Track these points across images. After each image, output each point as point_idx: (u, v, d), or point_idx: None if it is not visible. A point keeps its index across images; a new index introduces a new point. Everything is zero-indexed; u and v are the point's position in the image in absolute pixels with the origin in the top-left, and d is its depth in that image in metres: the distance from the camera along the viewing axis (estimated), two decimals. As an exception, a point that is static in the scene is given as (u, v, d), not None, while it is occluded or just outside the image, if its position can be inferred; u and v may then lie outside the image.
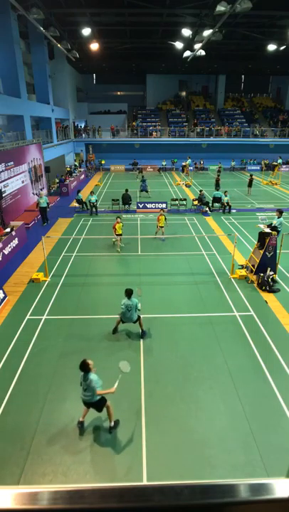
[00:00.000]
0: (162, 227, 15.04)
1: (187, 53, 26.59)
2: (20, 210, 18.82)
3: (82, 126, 38.37)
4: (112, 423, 5.92)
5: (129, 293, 8.13)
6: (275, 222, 12.87)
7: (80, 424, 5.91)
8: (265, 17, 22.39)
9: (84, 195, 21.36)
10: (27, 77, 26.49)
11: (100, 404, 5.75)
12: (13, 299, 10.24)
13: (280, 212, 13.15)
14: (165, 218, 15.13)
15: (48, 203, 17.49)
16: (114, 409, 6.22)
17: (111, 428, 5.88)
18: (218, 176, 25.43)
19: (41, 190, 22.79)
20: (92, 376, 5.58)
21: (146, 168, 36.92)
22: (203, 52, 25.11)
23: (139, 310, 8.32)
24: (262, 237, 11.49)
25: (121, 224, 14.08)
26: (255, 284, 11.09)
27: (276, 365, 7.48)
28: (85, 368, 5.60)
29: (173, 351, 7.93)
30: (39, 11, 17.90)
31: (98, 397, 5.69)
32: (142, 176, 27.31)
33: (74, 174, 29.41)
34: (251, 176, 26.37)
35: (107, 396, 5.78)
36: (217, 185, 23.97)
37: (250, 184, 25.06)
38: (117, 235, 14.03)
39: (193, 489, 0.69)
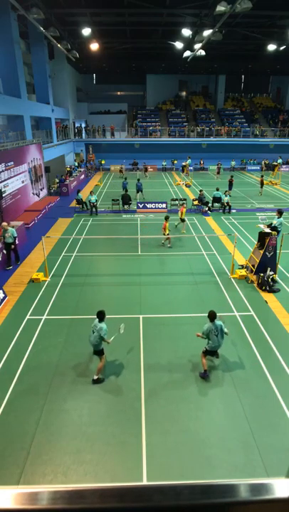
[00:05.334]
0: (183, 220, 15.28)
1: (187, 53, 26.60)
2: (20, 210, 18.82)
3: (83, 127, 38.35)
4: (96, 377, 6.94)
5: (212, 316, 6.91)
6: (275, 222, 12.87)
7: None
8: (265, 17, 22.40)
9: (84, 195, 21.36)
10: (27, 77, 26.49)
11: (100, 353, 6.97)
12: (13, 299, 10.24)
13: (280, 212, 13.16)
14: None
15: (15, 237, 12.45)
16: (113, 409, 6.23)
17: (93, 380, 6.92)
18: (232, 177, 25.34)
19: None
20: (103, 325, 6.77)
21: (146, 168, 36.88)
22: (203, 52, 25.12)
23: (226, 333, 7.10)
24: (262, 237, 11.49)
25: (168, 224, 14.35)
26: (255, 284, 11.09)
27: (276, 365, 7.48)
28: (102, 316, 6.85)
29: (173, 351, 7.93)
30: (39, 11, 17.90)
31: (101, 347, 6.90)
32: (125, 178, 27.06)
33: (74, 174, 29.42)
34: (262, 176, 26.47)
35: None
36: (230, 187, 23.71)
37: (262, 185, 25.21)
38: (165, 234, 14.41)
39: (193, 489, 0.69)
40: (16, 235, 12.51)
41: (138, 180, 24.05)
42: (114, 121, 39.79)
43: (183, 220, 16.20)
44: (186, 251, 14.12)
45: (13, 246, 12.48)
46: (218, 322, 6.92)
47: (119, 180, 30.02)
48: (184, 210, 16.18)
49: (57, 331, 8.71)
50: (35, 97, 27.91)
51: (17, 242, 12.79)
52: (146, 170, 33.50)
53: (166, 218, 14.36)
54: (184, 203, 18.05)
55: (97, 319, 6.86)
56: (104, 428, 5.91)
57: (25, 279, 11.56)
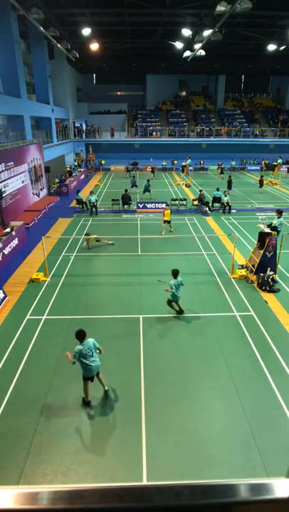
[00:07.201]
0: (168, 221, 15.92)
1: (187, 53, 26.60)
2: (20, 210, 18.83)
3: (84, 128, 38.32)
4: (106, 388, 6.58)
5: (176, 273, 9.03)
6: (275, 222, 12.88)
7: (88, 403, 6.38)
8: (265, 17, 22.39)
9: (84, 195, 21.36)
10: (27, 77, 26.49)
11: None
12: (13, 299, 10.24)
13: (280, 212, 13.16)
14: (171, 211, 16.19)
15: None
16: (113, 409, 6.24)
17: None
18: (230, 177, 25.45)
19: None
20: (91, 340, 6.18)
21: (146, 168, 36.88)
22: (203, 52, 25.11)
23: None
24: (262, 237, 11.49)
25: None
26: (255, 284, 11.09)
27: (276, 365, 7.48)
28: (84, 335, 6.08)
29: (173, 351, 7.93)
30: (39, 11, 17.89)
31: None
32: (133, 176, 27.28)
33: (74, 174, 29.42)
34: (262, 176, 26.66)
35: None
36: (229, 187, 23.79)
37: (261, 184, 25.51)
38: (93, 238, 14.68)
39: (193, 489, 0.69)
40: None
41: (148, 180, 24.04)
42: (114, 121, 39.78)
43: (168, 222, 15.92)
44: (186, 251, 14.12)
45: None
46: (180, 278, 8.96)
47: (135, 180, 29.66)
48: (167, 211, 15.76)
49: (57, 331, 8.71)
50: (35, 97, 27.91)
51: None
52: (153, 170, 32.79)
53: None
54: (168, 204, 17.91)
55: (88, 340, 6.10)
56: (105, 428, 5.91)
57: (25, 279, 11.56)
